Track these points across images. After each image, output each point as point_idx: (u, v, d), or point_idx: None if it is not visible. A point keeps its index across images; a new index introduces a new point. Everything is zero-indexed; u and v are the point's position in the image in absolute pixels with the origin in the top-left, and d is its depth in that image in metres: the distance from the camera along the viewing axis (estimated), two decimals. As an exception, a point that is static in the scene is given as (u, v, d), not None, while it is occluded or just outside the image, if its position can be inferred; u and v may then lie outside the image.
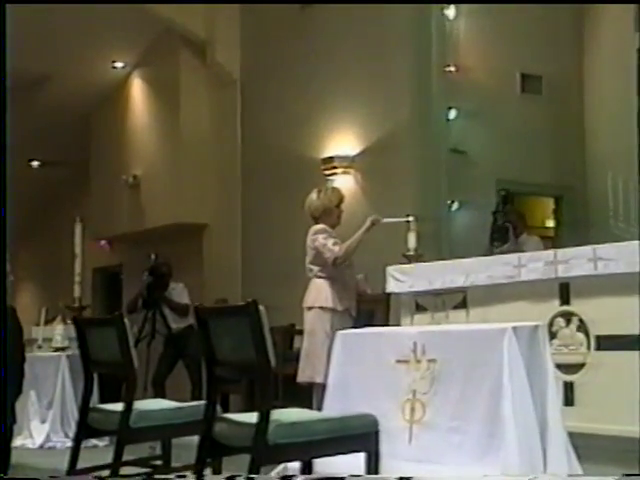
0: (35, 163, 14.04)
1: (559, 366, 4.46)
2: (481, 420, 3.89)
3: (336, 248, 5.69)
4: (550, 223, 9.58)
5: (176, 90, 10.73)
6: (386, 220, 5.91)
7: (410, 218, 5.95)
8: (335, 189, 6.22)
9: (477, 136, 8.34)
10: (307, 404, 5.37)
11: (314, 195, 5.91)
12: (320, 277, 5.76)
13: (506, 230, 7.45)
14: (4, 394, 4.48)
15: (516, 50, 8.76)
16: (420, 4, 8.13)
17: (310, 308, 5.75)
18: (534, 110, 8.90)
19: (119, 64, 11.56)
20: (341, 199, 5.97)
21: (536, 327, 3.98)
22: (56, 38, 10.48)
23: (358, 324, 5.63)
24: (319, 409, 4.87)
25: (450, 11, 8.22)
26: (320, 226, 5.81)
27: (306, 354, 5.72)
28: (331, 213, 5.87)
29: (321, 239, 5.72)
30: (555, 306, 4.87)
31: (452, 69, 8.19)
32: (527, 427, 3.77)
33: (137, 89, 11.76)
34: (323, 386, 5.34)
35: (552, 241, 8.68)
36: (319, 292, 5.73)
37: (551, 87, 9.02)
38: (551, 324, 4.81)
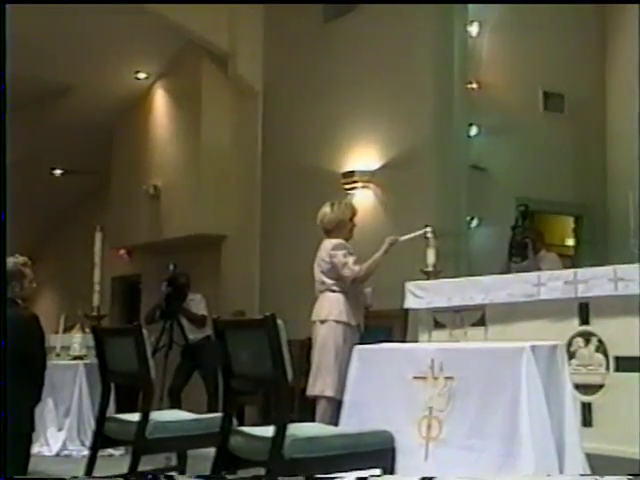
0: (57, 172, 14.15)
1: (577, 386, 4.44)
2: (498, 439, 3.88)
3: (357, 268, 5.66)
4: (570, 241, 9.52)
5: (198, 102, 10.78)
6: (404, 238, 5.89)
7: (428, 229, 5.92)
8: (348, 202, 6.23)
9: (498, 153, 8.31)
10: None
11: (327, 208, 5.89)
12: (334, 291, 5.73)
13: (525, 246, 7.36)
14: (4, 399, 4.49)
15: (538, 68, 8.73)
16: (443, 19, 8.14)
17: (323, 321, 5.71)
18: (556, 128, 8.87)
19: (142, 75, 11.63)
20: (354, 212, 5.97)
21: (555, 347, 3.97)
22: (80, 48, 10.55)
23: (364, 340, 5.58)
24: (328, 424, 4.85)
25: (473, 28, 8.20)
26: (339, 241, 5.78)
27: (317, 367, 5.67)
28: (345, 226, 5.86)
29: (341, 256, 5.69)
30: (574, 326, 4.84)
31: (474, 86, 8.17)
32: (544, 447, 3.75)
33: (159, 100, 11.82)
34: (334, 401, 5.33)
35: (571, 259, 8.63)
36: (333, 306, 5.70)
37: (573, 105, 8.99)
38: (570, 344, 4.78)
